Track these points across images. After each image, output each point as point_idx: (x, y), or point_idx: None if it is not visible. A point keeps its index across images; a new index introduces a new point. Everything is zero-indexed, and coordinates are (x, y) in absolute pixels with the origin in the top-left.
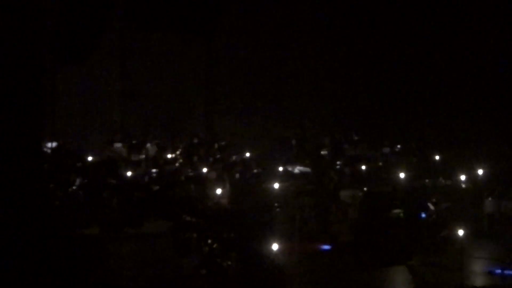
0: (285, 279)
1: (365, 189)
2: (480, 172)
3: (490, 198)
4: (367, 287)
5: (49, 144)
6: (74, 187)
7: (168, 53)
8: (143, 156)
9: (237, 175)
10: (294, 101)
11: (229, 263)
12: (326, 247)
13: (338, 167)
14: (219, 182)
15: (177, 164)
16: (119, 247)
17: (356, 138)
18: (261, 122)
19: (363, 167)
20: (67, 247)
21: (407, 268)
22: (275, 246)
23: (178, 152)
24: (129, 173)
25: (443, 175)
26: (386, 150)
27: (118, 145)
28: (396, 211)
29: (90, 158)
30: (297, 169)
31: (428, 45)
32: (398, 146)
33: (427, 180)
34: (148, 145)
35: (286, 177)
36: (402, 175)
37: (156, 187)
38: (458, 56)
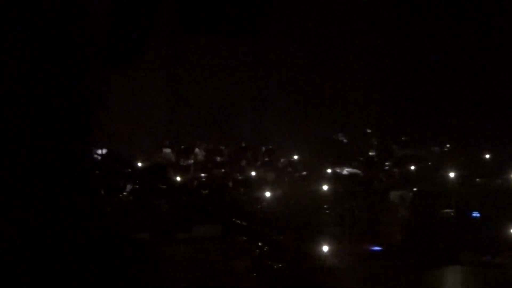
0: (335, 280)
1: (415, 189)
2: None
3: None
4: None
5: (99, 151)
6: (124, 193)
7: (215, 56)
8: (191, 161)
9: (286, 178)
10: (341, 102)
11: (280, 265)
12: (377, 248)
13: (387, 167)
14: (268, 185)
15: (225, 168)
16: (170, 251)
17: (404, 138)
18: (309, 124)
19: (412, 167)
20: (120, 252)
21: (458, 268)
22: (325, 248)
23: (226, 156)
24: (178, 178)
25: (494, 174)
26: (435, 149)
27: (167, 150)
28: (447, 210)
29: (139, 164)
30: (346, 171)
31: (478, 44)
32: (448, 145)
33: (477, 179)
34: (197, 149)
35: (334, 178)
36: (452, 174)
37: (205, 191)
38: (508, 54)
